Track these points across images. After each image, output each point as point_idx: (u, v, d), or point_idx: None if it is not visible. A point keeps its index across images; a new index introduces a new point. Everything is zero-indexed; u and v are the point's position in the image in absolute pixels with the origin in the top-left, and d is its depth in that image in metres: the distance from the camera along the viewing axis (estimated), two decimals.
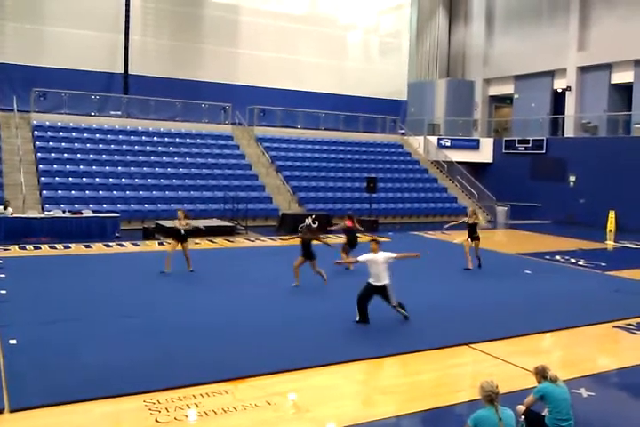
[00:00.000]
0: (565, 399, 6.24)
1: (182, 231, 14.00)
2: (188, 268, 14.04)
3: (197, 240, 19.30)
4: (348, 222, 15.42)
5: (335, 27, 34.22)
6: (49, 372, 7.64)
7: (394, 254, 10.29)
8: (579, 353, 9.37)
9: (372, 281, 10.08)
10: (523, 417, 6.22)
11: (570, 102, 31.70)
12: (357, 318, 10.07)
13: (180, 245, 14.00)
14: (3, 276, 13.11)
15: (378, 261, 10.06)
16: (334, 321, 10.26)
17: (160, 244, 18.58)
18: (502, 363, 8.54)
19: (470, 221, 15.93)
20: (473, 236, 15.80)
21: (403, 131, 35.05)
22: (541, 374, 6.40)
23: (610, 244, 22.47)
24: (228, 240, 19.90)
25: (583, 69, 31.29)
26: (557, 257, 18.01)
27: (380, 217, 25.54)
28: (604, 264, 16.91)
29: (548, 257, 17.98)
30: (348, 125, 32.83)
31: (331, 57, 33.73)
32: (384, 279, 10.04)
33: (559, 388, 6.28)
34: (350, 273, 14.38)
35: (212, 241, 19.54)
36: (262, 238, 20.61)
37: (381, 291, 10.05)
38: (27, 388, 7.13)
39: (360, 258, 10.38)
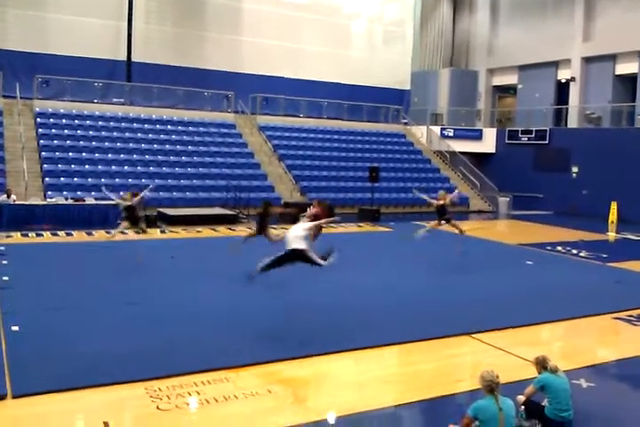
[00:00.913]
0: (565, 390, 6.27)
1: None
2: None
3: (199, 228, 19.35)
4: (315, 210, 14.61)
5: (339, 15, 34.04)
6: (51, 359, 7.68)
7: (310, 224, 10.54)
8: (579, 344, 9.39)
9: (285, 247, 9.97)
10: (523, 407, 6.26)
11: (574, 93, 31.57)
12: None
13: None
14: (5, 263, 13.15)
15: (292, 229, 10.07)
16: (334, 310, 10.28)
17: (162, 231, 18.59)
18: (503, 353, 8.57)
19: (441, 203, 15.93)
20: (444, 218, 15.88)
21: (406, 120, 34.96)
22: (542, 364, 6.42)
23: (611, 235, 22.45)
24: (230, 229, 19.91)
25: (587, 60, 31.14)
26: (559, 248, 18.01)
27: (382, 207, 25.51)
28: (605, 255, 16.91)
29: (549, 248, 17.98)
30: (350, 115, 32.76)
31: (334, 46, 33.59)
32: (294, 244, 9.85)
33: (559, 378, 6.31)
34: (354, 264, 14.40)
35: (214, 229, 19.57)
36: None
37: (296, 256, 9.88)
38: (29, 374, 7.16)
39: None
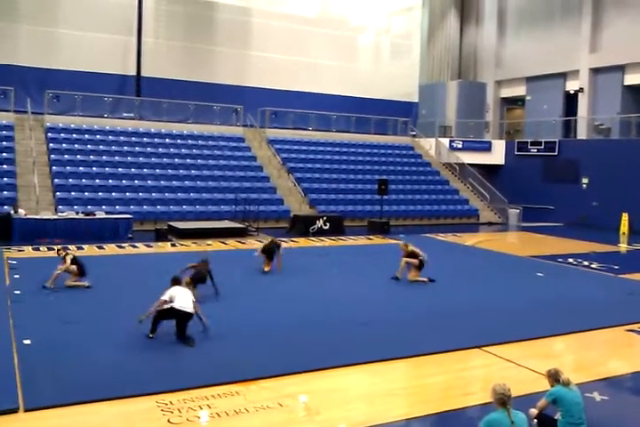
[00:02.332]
0: (578, 403, 6.22)
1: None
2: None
3: (209, 242, 19.39)
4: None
5: (346, 29, 34.27)
6: (62, 372, 7.70)
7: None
8: (591, 357, 9.32)
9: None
10: (535, 421, 6.21)
11: (582, 104, 31.56)
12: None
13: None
14: (17, 276, 13.23)
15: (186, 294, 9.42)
16: (344, 324, 10.27)
17: (172, 245, 18.65)
18: (514, 366, 8.52)
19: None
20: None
21: (414, 133, 35.02)
22: (554, 377, 6.38)
23: (623, 246, 22.34)
24: (240, 242, 19.94)
25: (596, 71, 31.15)
26: (570, 260, 17.93)
27: (391, 219, 25.49)
28: (617, 267, 16.81)
29: (560, 260, 17.90)
30: (359, 127, 32.87)
31: (342, 59, 33.81)
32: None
33: (571, 391, 6.27)
34: (363, 276, 14.41)
35: (223, 243, 19.61)
36: None
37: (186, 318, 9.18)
38: (41, 388, 7.19)
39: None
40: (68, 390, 7.14)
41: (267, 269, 14.51)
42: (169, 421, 6.46)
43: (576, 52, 31.47)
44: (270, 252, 14.61)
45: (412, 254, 14.01)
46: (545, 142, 30.99)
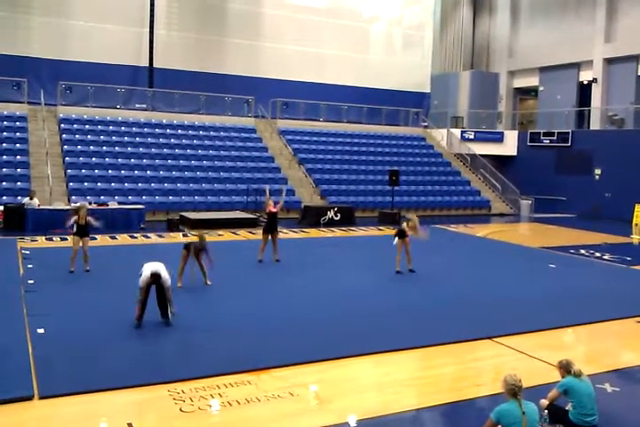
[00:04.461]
0: (589, 394, 6.22)
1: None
2: (85, 266, 13.04)
3: (220, 232, 19.47)
4: (271, 208, 14.96)
5: (358, 19, 34.09)
6: (76, 361, 7.79)
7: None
8: (603, 348, 9.30)
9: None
10: (546, 411, 6.22)
11: (596, 94, 31.28)
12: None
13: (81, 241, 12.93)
14: (30, 266, 13.35)
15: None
16: (355, 314, 10.30)
17: (184, 235, 18.75)
18: (526, 357, 8.51)
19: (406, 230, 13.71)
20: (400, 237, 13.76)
21: (426, 123, 34.88)
22: (565, 368, 6.38)
23: (636, 238, 22.20)
24: (251, 232, 20.00)
25: (610, 61, 30.85)
26: (582, 251, 17.85)
27: (402, 210, 25.45)
28: (629, 259, 16.73)
29: (572, 251, 17.83)
30: (370, 118, 32.78)
31: (354, 49, 33.65)
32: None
33: (583, 382, 6.26)
34: (374, 267, 14.42)
35: (234, 233, 19.69)
36: (285, 231, 20.63)
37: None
38: (55, 376, 7.28)
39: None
40: (81, 378, 7.22)
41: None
42: (181, 409, 6.52)
43: (590, 42, 31.14)
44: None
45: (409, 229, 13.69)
46: (558, 133, 30.78)
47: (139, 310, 9.16)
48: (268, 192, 15.71)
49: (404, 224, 13.83)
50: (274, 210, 14.97)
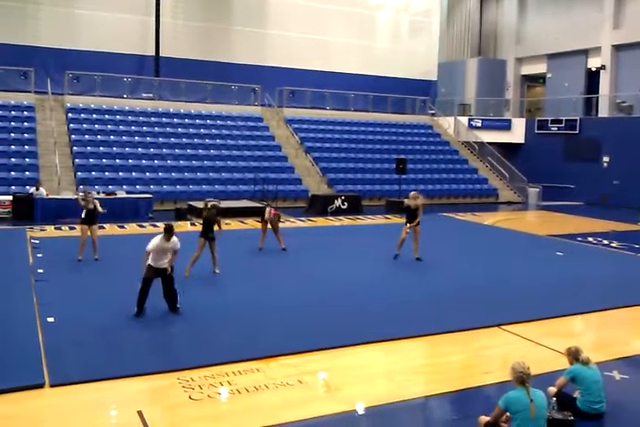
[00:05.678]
0: (596, 382, 6.23)
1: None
2: (94, 255, 13.11)
3: (228, 221, 19.48)
4: (272, 211, 15.03)
5: (364, 6, 33.85)
6: (86, 349, 7.85)
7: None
8: (611, 336, 9.30)
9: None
10: (554, 399, 6.24)
11: (604, 81, 31.00)
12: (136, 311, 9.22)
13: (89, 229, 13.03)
14: (40, 255, 13.42)
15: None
16: (364, 302, 10.32)
17: (192, 224, 18.78)
18: (533, 345, 8.53)
19: (412, 205, 13.72)
20: (411, 222, 13.67)
21: (433, 111, 34.72)
22: (574, 355, 6.40)
23: None
24: (258, 221, 19.94)
25: (618, 48, 30.54)
26: (590, 239, 17.80)
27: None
28: (637, 246, 16.67)
29: (580, 239, 17.78)
30: (377, 106, 32.64)
31: (360, 37, 33.45)
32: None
33: (590, 370, 6.28)
34: (381, 255, 14.43)
35: (242, 222, 19.72)
36: (292, 220, 20.68)
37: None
38: (65, 364, 7.33)
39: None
40: (91, 366, 7.28)
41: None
42: (190, 397, 6.57)
43: (598, 29, 30.83)
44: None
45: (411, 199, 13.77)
46: (566, 120, 30.57)
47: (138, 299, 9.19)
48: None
49: (406, 200, 13.93)
50: (274, 212, 14.96)
